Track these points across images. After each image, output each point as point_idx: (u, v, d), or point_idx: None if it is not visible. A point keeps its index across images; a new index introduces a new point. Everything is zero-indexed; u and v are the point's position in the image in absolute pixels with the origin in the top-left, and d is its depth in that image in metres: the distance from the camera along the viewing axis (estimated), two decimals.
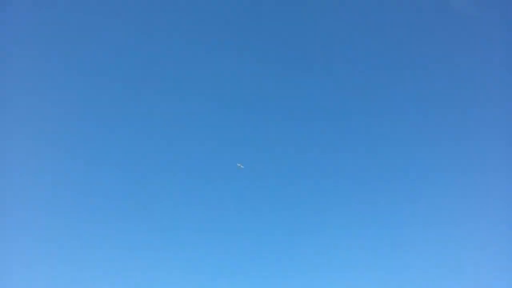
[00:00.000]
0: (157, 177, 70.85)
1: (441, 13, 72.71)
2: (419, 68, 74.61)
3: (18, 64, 67.78)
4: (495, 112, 67.39)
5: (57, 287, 57.95)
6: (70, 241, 62.34)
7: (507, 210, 60.18)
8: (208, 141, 74.21)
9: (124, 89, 74.46)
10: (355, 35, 77.15)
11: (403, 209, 67.40)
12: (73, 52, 72.31)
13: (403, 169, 70.88)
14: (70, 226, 63.54)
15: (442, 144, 70.30)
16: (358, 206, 68.74)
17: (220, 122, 76.00)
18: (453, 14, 71.11)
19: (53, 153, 67.38)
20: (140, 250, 64.10)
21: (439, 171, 68.83)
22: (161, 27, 77.32)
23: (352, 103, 76.19)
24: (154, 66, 76.36)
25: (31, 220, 61.57)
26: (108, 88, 73.60)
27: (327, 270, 63.44)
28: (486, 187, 64.43)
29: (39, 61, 70.22)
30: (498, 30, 68.43)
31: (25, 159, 64.71)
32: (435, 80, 73.59)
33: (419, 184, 69.05)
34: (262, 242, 66.79)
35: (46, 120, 68.54)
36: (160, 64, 76.91)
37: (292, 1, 79.13)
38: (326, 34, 78.12)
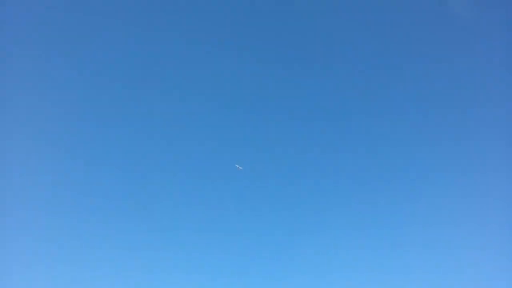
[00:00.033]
0: (157, 177, 71.19)
1: (440, 15, 72.95)
2: (419, 69, 75.11)
3: (18, 64, 67.89)
4: (495, 112, 67.65)
5: (57, 287, 58.20)
6: (70, 241, 62.65)
7: (507, 210, 60.25)
8: (208, 141, 74.64)
9: (124, 89, 74.83)
10: (356, 36, 77.51)
11: (403, 209, 67.70)
12: (73, 52, 72.65)
13: (404, 169, 71.37)
14: (70, 226, 63.88)
15: (442, 144, 70.75)
16: (358, 206, 69.12)
17: (220, 122, 76.41)
18: (453, 16, 71.41)
19: (53, 153, 67.57)
20: (140, 250, 64.27)
21: (439, 171, 69.26)
22: (161, 27, 77.56)
23: (353, 103, 76.64)
24: (154, 66, 76.75)
25: (31, 220, 61.74)
26: (108, 87, 74.00)
27: (327, 270, 63.81)
28: (487, 187, 64.69)
29: (39, 61, 70.46)
30: (497, 31, 68.65)
31: (25, 159, 64.83)
32: (435, 81, 73.93)
33: (420, 184, 69.46)
34: (262, 242, 67.12)
35: (45, 120, 68.85)
36: (160, 64, 77.34)
37: (292, 1, 79.43)
38: (327, 35, 78.49)
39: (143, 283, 60.84)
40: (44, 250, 60.28)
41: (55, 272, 58.90)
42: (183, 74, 77.62)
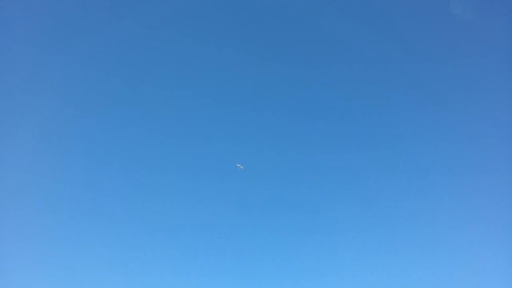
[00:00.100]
0: (157, 177, 71.00)
1: (441, 16, 73.16)
2: (420, 69, 74.85)
3: (18, 63, 67.76)
4: (496, 113, 67.69)
5: (57, 287, 58.14)
6: (69, 241, 62.67)
7: (507, 210, 60.35)
8: (209, 141, 74.39)
9: (123, 88, 74.57)
10: (357, 36, 77.24)
11: (404, 210, 67.67)
12: (73, 50, 72.46)
13: (405, 170, 71.15)
14: (70, 226, 63.91)
15: (444, 144, 70.37)
16: (360, 207, 68.93)
17: (221, 121, 76.24)
18: (454, 18, 71.58)
19: (53, 153, 67.53)
20: (140, 250, 64.28)
21: (441, 172, 68.85)
22: (161, 25, 77.30)
23: (354, 103, 76.35)
24: (154, 65, 76.50)
25: (31, 220, 61.77)
26: (107, 86, 73.75)
27: (328, 271, 63.91)
28: (487, 187, 64.64)
29: (39, 60, 70.25)
30: (496, 33, 68.84)
31: (25, 159, 64.75)
32: (435, 81, 73.84)
33: (421, 184, 69.21)
34: (262, 242, 67.03)
35: (44, 120, 68.67)
36: (160, 63, 77.00)
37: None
38: (328, 34, 78.31)
39: (144, 283, 61.09)
40: (44, 250, 60.55)
41: (55, 272, 59.17)
42: (184, 73, 77.61)
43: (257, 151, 73.44)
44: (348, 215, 68.34)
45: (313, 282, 62.11)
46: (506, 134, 64.41)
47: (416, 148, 71.31)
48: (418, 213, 66.56)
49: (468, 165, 67.77)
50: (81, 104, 71.31)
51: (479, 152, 67.15)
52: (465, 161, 68.23)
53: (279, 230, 67.89)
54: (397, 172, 70.86)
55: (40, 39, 70.19)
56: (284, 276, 63.19)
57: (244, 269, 64.20)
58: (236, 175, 69.52)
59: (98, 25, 74.07)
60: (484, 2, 69.70)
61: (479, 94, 70.04)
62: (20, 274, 57.25)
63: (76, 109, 70.73)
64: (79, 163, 68.24)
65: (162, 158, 72.67)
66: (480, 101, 69.71)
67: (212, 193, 70.62)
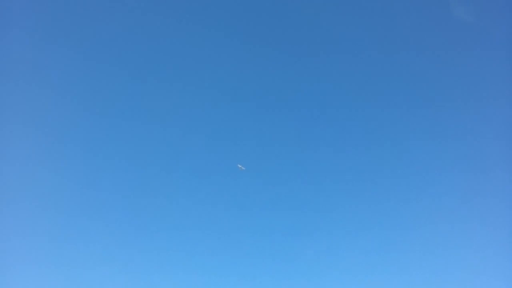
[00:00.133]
0: (157, 177, 71.01)
1: (443, 18, 73.54)
2: (421, 70, 75.03)
3: (19, 63, 67.53)
4: (496, 113, 68.01)
5: (58, 286, 58.05)
6: (69, 241, 62.48)
7: (507, 210, 60.58)
8: (210, 141, 74.43)
9: (124, 87, 74.64)
10: (360, 36, 77.55)
11: (405, 210, 67.84)
12: (74, 49, 72.31)
13: (405, 170, 71.43)
14: (70, 226, 63.81)
15: (444, 144, 70.71)
16: (361, 206, 69.08)
17: (221, 122, 76.25)
18: (455, 20, 71.96)
19: (53, 153, 67.43)
20: (140, 250, 64.32)
21: (442, 172, 69.32)
22: (162, 24, 77.25)
23: (356, 103, 76.51)
24: (155, 65, 76.71)
25: (31, 220, 61.61)
26: (107, 86, 73.78)
27: (330, 271, 63.88)
28: (488, 187, 64.85)
29: (40, 58, 70.03)
30: (496, 36, 69.24)
31: (24, 158, 64.58)
32: (436, 82, 74.13)
33: (422, 185, 69.47)
34: (263, 243, 67.05)
35: (45, 120, 68.56)
36: (161, 63, 77.28)
37: None
38: (329, 35, 78.58)
39: (144, 284, 61.00)
40: (43, 250, 60.27)
41: (55, 272, 58.99)
42: (185, 72, 77.67)
43: (257, 151, 73.81)
44: (350, 214, 68.70)
45: (315, 281, 62.35)
46: (507, 134, 64.77)
47: (419, 147, 71.78)
48: (420, 213, 66.93)
49: (470, 164, 68.21)
50: (81, 103, 71.48)
51: (482, 152, 67.41)
52: (468, 160, 68.62)
53: (280, 230, 68.15)
54: (399, 171, 71.44)
55: (41, 38, 70.23)
56: (285, 275, 63.45)
57: (245, 268, 64.40)
58: (236, 176, 69.92)
59: (99, 24, 74.15)
60: (485, 4, 70.27)
61: (481, 94, 70.47)
62: (20, 273, 57.13)
63: (76, 108, 70.90)
64: (79, 162, 68.41)
65: (163, 157, 72.93)
66: (482, 101, 70.20)
67: (212, 193, 70.87)
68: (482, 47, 71.16)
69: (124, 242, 64.21)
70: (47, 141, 67.39)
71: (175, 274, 62.81)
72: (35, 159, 65.24)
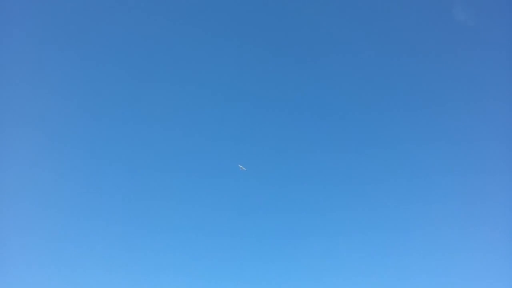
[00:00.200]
0: (158, 177, 70.96)
1: (442, 22, 73.97)
2: (421, 71, 75.35)
3: (20, 62, 67.38)
4: (496, 115, 68.40)
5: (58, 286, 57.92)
6: (69, 241, 62.37)
7: (507, 210, 60.84)
8: (210, 142, 74.43)
9: (124, 87, 74.47)
10: (359, 38, 77.68)
11: (406, 212, 67.96)
12: (75, 49, 72.17)
13: (405, 171, 71.62)
14: (70, 226, 63.69)
15: (445, 146, 70.95)
16: (362, 208, 69.26)
17: (221, 123, 76.33)
18: (454, 24, 72.45)
19: (53, 153, 67.20)
20: (141, 250, 64.23)
21: (442, 173, 69.55)
22: (162, 23, 77.11)
23: (356, 105, 76.79)
24: (156, 66, 76.57)
25: (31, 220, 61.45)
26: (108, 85, 73.61)
27: (330, 272, 64.00)
28: (487, 188, 65.06)
29: (41, 58, 69.91)
30: (496, 38, 69.71)
31: (26, 159, 64.37)
32: (436, 83, 74.34)
33: (422, 186, 69.70)
34: (264, 243, 67.12)
35: (45, 119, 68.49)
36: (162, 64, 77.10)
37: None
38: (330, 35, 78.64)
39: (144, 285, 60.95)
40: (44, 250, 60.21)
41: (55, 272, 58.93)
42: (186, 72, 77.70)
43: (258, 152, 73.90)
44: (351, 216, 68.77)
45: (316, 282, 62.49)
46: (506, 136, 65.12)
47: (418, 149, 72.07)
48: (419, 215, 67.15)
49: (469, 166, 68.54)
50: (82, 104, 71.38)
51: (481, 154, 67.78)
52: (467, 162, 69.01)
53: (281, 231, 68.32)
54: (399, 173, 71.59)
55: (41, 38, 70.12)
56: (286, 276, 63.56)
57: (245, 269, 64.41)
58: (237, 176, 69.96)
59: (99, 23, 74.09)
60: (484, 7, 70.69)
61: (480, 96, 70.86)
62: (20, 273, 57.07)
63: (77, 109, 70.80)
64: (80, 162, 68.27)
65: (163, 158, 72.85)
66: (481, 103, 70.48)
67: (213, 193, 70.96)
68: (482, 50, 71.75)
69: (125, 243, 64.32)
70: (48, 142, 67.46)
71: (175, 274, 62.92)
72: (36, 160, 65.27)
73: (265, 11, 79.63)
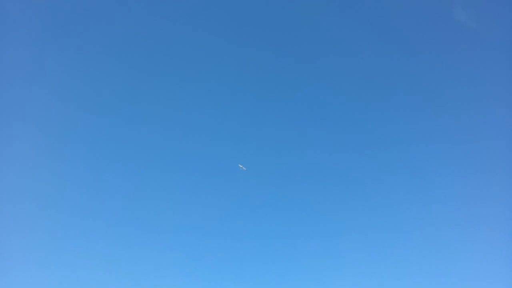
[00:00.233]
0: (158, 177, 70.99)
1: (443, 23, 74.11)
2: (422, 72, 75.52)
3: (19, 61, 67.14)
4: (496, 115, 68.50)
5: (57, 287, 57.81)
6: (70, 241, 62.25)
7: (507, 210, 60.89)
8: (210, 141, 74.52)
9: (124, 87, 74.50)
10: (359, 38, 77.86)
11: (405, 212, 67.96)
12: (76, 49, 72.21)
13: (405, 171, 71.74)
14: (70, 226, 63.59)
15: (444, 146, 71.17)
16: (363, 208, 69.34)
17: (222, 122, 76.46)
18: (454, 24, 72.58)
19: (53, 152, 67.17)
20: (141, 250, 64.15)
21: (442, 173, 69.66)
22: (163, 24, 77.29)
23: (356, 105, 76.91)
24: (156, 65, 76.57)
25: (32, 220, 61.48)
26: (108, 85, 73.73)
27: (331, 272, 63.96)
28: (487, 188, 65.25)
29: (42, 57, 69.96)
30: (496, 38, 69.88)
31: (26, 159, 64.32)
32: (436, 83, 74.53)
33: (421, 186, 69.83)
34: (264, 243, 67.10)
35: (46, 119, 68.46)
36: (163, 63, 77.07)
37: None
38: (330, 35, 78.77)
39: (145, 284, 60.84)
40: (43, 250, 60.13)
41: (55, 272, 58.79)
42: (186, 72, 77.83)
43: (259, 152, 74.03)
44: (351, 216, 68.82)
45: (315, 283, 62.38)
46: (506, 136, 65.22)
47: (418, 149, 72.14)
48: (419, 215, 67.17)
49: (469, 166, 68.62)
50: (82, 103, 71.39)
51: (480, 154, 67.86)
52: (467, 162, 69.10)
53: (281, 231, 68.34)
54: (399, 173, 71.68)
55: (41, 38, 70.04)
56: (286, 276, 63.45)
57: (245, 268, 64.38)
58: (237, 176, 69.99)
59: (100, 23, 74.07)
60: (484, 7, 70.87)
61: (480, 96, 71.01)
62: (20, 273, 56.91)
63: (77, 109, 70.80)
64: (80, 162, 68.36)
65: (163, 158, 72.89)
66: (481, 103, 70.64)
67: (213, 193, 70.97)
68: (482, 50, 71.95)
69: (125, 243, 64.30)
70: (49, 142, 67.51)
71: (175, 274, 62.84)
72: (36, 160, 65.26)
73: (264, 11, 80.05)
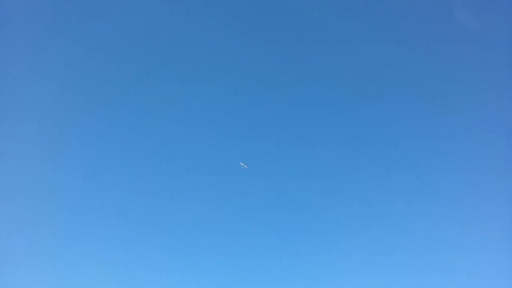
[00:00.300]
0: (159, 176, 71.07)
1: (442, 20, 74.13)
2: (422, 72, 75.65)
3: (19, 61, 66.87)
4: (496, 113, 68.75)
5: (57, 287, 57.77)
6: (70, 240, 62.26)
7: (507, 210, 61.15)
8: (211, 140, 74.35)
9: (125, 86, 74.33)
10: (360, 38, 77.88)
11: (405, 211, 68.12)
12: (77, 45, 71.78)
13: (405, 170, 71.90)
14: (71, 225, 63.58)
15: (446, 144, 71.29)
16: (362, 207, 69.45)
17: (223, 120, 76.45)
18: (453, 22, 72.62)
19: (53, 152, 66.97)
20: (141, 250, 64.36)
21: (442, 171, 69.71)
22: (164, 23, 77.16)
23: (358, 103, 76.93)
24: (157, 64, 76.40)
25: (32, 220, 61.31)
26: (108, 85, 73.51)
27: (332, 271, 64.15)
28: (487, 187, 65.46)
29: (43, 56, 69.68)
30: (496, 36, 70.10)
31: (27, 157, 64.11)
32: (436, 83, 74.71)
33: (421, 185, 69.98)
34: (264, 241, 67.30)
35: (46, 118, 68.12)
36: (163, 62, 76.92)
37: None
38: (331, 35, 78.83)
39: (145, 282, 60.97)
40: (43, 249, 60.05)
41: (55, 271, 58.87)
42: (187, 71, 77.71)
43: (260, 150, 73.99)
44: (354, 213, 69.11)
45: (317, 280, 62.68)
46: (506, 135, 65.50)
47: (419, 147, 72.29)
48: (419, 213, 67.42)
49: (470, 164, 68.82)
50: (84, 102, 71.11)
51: (481, 152, 68.04)
52: (467, 160, 69.30)
53: (283, 229, 68.49)
54: (399, 171, 71.80)
55: (42, 36, 69.69)
56: (289, 274, 63.75)
57: (246, 268, 64.54)
58: (239, 174, 69.95)
59: (102, 19, 73.61)
60: (484, 8, 71.06)
61: (480, 95, 71.09)
62: (21, 272, 56.88)
63: (78, 107, 70.56)
64: (81, 160, 68.18)
65: (165, 156, 72.89)
66: (481, 101, 70.87)
67: (215, 192, 71.03)
68: (482, 48, 72.07)
69: (127, 241, 64.37)
70: (49, 140, 67.27)
71: (177, 272, 63.14)
72: (36, 157, 65.03)
73: (264, 8, 79.89)
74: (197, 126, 74.51)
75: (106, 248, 62.68)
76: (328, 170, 73.32)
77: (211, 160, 72.89)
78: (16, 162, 62.71)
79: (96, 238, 62.96)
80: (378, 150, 73.36)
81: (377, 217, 68.17)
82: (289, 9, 78.84)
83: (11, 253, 57.12)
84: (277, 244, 66.89)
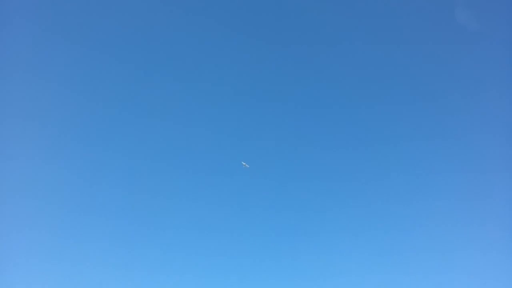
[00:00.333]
0: (159, 176, 71.01)
1: (443, 21, 74.22)
2: (422, 71, 75.77)
3: (19, 61, 66.84)
4: (496, 113, 68.74)
5: (57, 287, 57.73)
6: (70, 240, 62.09)
7: (507, 210, 61.13)
8: (213, 139, 74.50)
9: (125, 86, 74.41)
10: (361, 38, 78.03)
11: (405, 211, 68.01)
12: (77, 45, 71.86)
13: (405, 170, 71.92)
14: (71, 224, 63.42)
15: (444, 144, 71.37)
16: (366, 207, 69.45)
17: (225, 120, 76.48)
18: (454, 22, 72.63)
19: (53, 152, 66.96)
20: (141, 249, 64.21)
21: (442, 172, 69.72)
22: (164, 23, 77.23)
23: (358, 105, 77.03)
24: (158, 64, 76.60)
25: (32, 220, 61.18)
26: (108, 84, 73.55)
27: (332, 271, 64.08)
28: (487, 187, 65.38)
29: (44, 55, 69.68)
30: (496, 36, 70.13)
31: (27, 156, 64.09)
32: (436, 83, 74.78)
33: (421, 185, 69.99)
34: (265, 241, 67.28)
35: (45, 119, 68.10)
36: (164, 62, 77.17)
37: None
38: (332, 35, 78.99)
39: (146, 282, 60.89)
40: (44, 248, 59.88)
41: (55, 271, 58.70)
42: (188, 71, 77.84)
43: (262, 150, 74.00)
44: (355, 214, 69.07)
45: (318, 280, 62.57)
46: (506, 135, 65.50)
47: (421, 148, 72.32)
48: (419, 213, 67.36)
49: (470, 164, 68.82)
50: (84, 101, 71.09)
51: (481, 152, 68.05)
52: (467, 160, 69.30)
53: (284, 229, 68.46)
54: (399, 172, 71.80)
55: (42, 36, 69.75)
56: (290, 274, 63.68)
57: (246, 268, 64.48)
58: (241, 174, 70.03)
59: (103, 19, 73.79)
60: (487, 10, 71.07)
61: (480, 95, 71.13)
62: (21, 271, 56.72)
63: (77, 107, 70.52)
64: (82, 159, 68.17)
65: (167, 155, 72.93)
66: (481, 102, 70.97)
67: (216, 191, 71.08)
68: (482, 48, 72.09)
69: (127, 241, 64.34)
70: (49, 140, 67.25)
71: (178, 272, 63.05)
72: (37, 157, 65.06)
73: (264, 8, 80.00)
74: (198, 126, 74.73)
75: (106, 248, 62.77)
76: (328, 170, 73.59)
77: (211, 160, 73.08)
78: (16, 162, 62.83)
79: (96, 238, 63.08)
80: (378, 150, 73.66)
81: (377, 217, 68.41)
82: (289, 9, 79.28)
83: (11, 253, 57.05)
84: (277, 244, 67.10)
